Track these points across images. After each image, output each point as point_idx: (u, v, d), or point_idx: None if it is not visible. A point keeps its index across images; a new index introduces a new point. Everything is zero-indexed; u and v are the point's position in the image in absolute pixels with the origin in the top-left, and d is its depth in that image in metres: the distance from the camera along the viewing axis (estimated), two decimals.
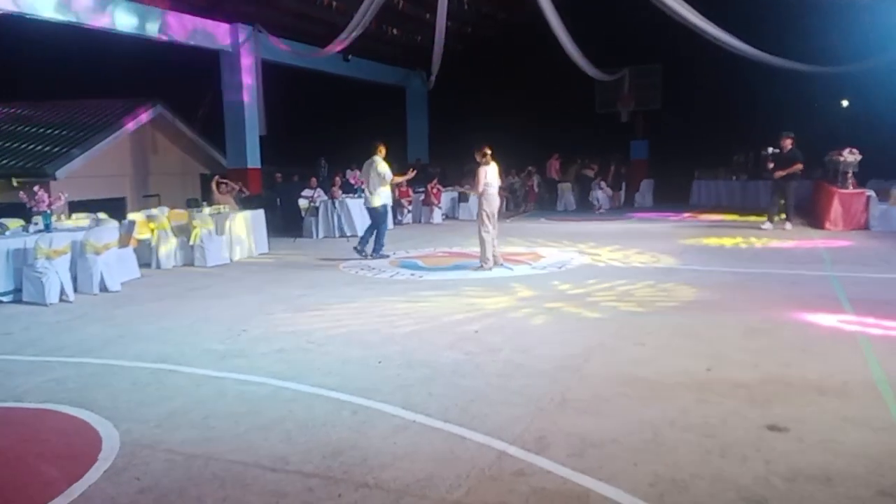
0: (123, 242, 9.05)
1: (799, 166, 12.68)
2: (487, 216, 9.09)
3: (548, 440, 3.66)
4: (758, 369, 4.74)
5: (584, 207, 18.85)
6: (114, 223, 9.56)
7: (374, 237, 10.70)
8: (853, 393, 4.25)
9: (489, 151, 9.23)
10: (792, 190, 12.95)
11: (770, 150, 12.78)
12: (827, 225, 12.88)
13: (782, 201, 13.03)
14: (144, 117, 16.26)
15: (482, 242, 9.19)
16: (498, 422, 3.92)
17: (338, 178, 15.07)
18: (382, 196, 10.67)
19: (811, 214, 14.35)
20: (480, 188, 9.16)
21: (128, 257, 9.22)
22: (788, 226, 12.83)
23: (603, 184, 19.06)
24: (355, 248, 10.73)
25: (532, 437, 3.69)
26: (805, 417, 3.88)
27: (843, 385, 4.38)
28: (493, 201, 9.22)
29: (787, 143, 12.66)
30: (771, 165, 12.78)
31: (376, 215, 10.69)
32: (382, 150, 10.67)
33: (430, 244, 12.29)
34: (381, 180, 10.50)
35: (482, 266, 9.19)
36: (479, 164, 9.24)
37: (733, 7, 14.61)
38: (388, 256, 10.66)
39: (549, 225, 15.38)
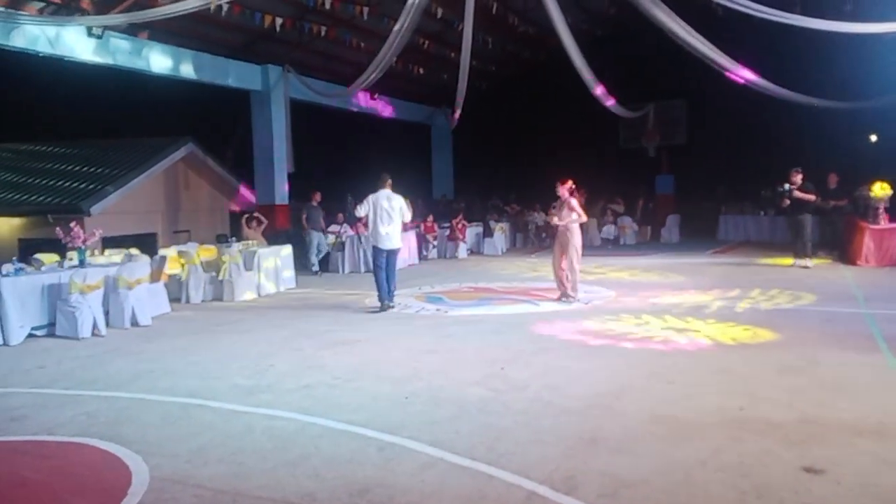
0: (154, 277, 9.20)
1: (812, 196, 12.42)
2: (576, 248, 9.52)
3: (577, 480, 3.60)
4: (792, 409, 4.64)
5: (609, 243, 18.80)
6: (145, 259, 9.74)
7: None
8: (891, 434, 4.14)
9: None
10: (808, 225, 12.57)
11: (786, 186, 12.59)
12: (859, 261, 12.66)
13: (801, 240, 12.62)
14: (176, 155, 16.64)
15: (574, 273, 9.50)
16: (526, 461, 3.88)
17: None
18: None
19: (842, 250, 14.12)
20: (584, 217, 9.65)
21: (158, 292, 9.36)
22: (809, 262, 12.46)
23: (629, 219, 18.99)
24: (390, 306, 9.19)
25: (561, 477, 3.64)
26: (842, 459, 3.78)
27: (881, 426, 4.27)
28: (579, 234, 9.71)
29: (798, 179, 12.45)
30: (787, 203, 12.62)
31: (396, 259, 9.61)
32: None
33: (456, 279, 12.30)
34: (403, 218, 9.53)
35: (570, 298, 9.42)
36: (560, 197, 9.71)
37: (759, 43, 14.66)
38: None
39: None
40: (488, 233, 17.89)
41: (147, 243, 13.37)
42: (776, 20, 10.02)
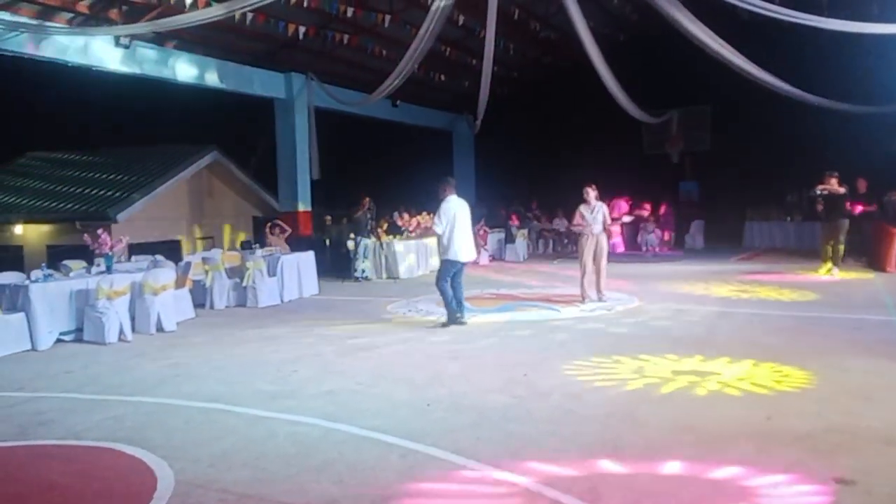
0: (180, 283, 9.31)
1: (841, 189, 11.99)
2: (605, 253, 9.97)
3: (600, 490, 3.57)
4: (821, 418, 4.55)
5: (632, 249, 18.66)
6: (171, 265, 9.86)
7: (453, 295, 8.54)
8: None
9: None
10: (844, 230, 12.20)
11: (819, 189, 12.20)
12: (888, 268, 12.43)
13: (833, 245, 12.19)
14: (201, 163, 16.87)
15: (603, 275, 9.97)
16: (549, 470, 3.85)
17: (384, 221, 15.26)
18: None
19: (871, 256, 13.87)
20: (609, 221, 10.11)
21: (183, 298, 9.47)
22: (836, 272, 12.05)
23: (653, 225, 18.83)
24: (462, 321, 8.43)
25: (584, 487, 3.61)
26: (873, 469, 3.70)
27: None
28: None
29: (833, 182, 11.99)
30: (820, 207, 12.24)
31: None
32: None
33: (478, 286, 12.28)
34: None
35: (601, 296, 9.84)
36: (587, 202, 9.95)
37: (782, 46, 14.50)
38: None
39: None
40: (510, 239, 17.85)
41: (172, 249, 13.57)
42: (801, 23, 9.90)
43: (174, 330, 8.62)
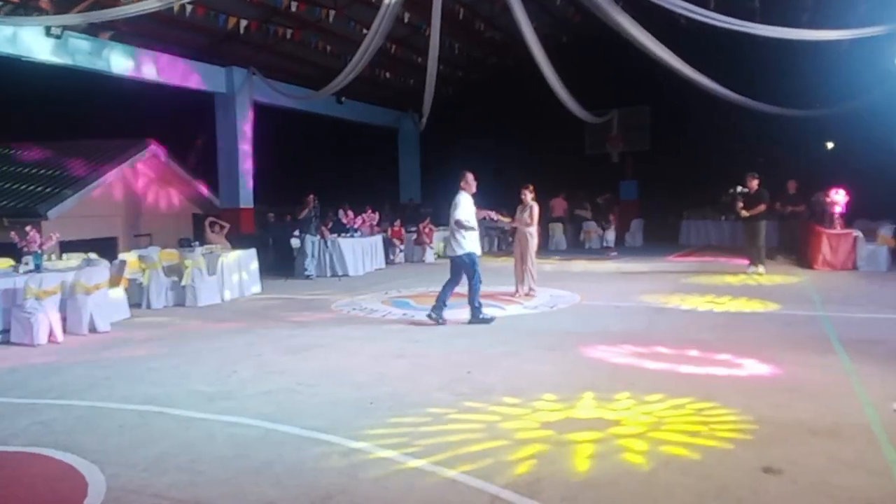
0: (114, 283, 9.01)
1: (762, 207, 12.31)
2: (532, 249, 10.43)
3: (541, 484, 3.62)
4: (750, 410, 4.72)
5: (575, 247, 19.02)
6: (104, 263, 9.53)
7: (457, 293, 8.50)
8: (846, 435, 4.24)
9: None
10: (762, 231, 12.53)
11: (738, 188, 12.58)
12: (815, 265, 12.99)
13: (755, 246, 12.52)
14: (137, 157, 16.35)
15: (534, 268, 10.47)
16: (491, 465, 3.88)
17: (328, 220, 15.10)
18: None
19: (800, 254, 14.47)
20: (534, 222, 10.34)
21: (118, 297, 9.17)
22: (761, 269, 12.39)
23: (594, 224, 19.20)
24: (429, 316, 8.30)
25: (525, 481, 3.65)
26: (799, 459, 3.86)
27: (836, 427, 4.37)
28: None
29: (754, 184, 12.36)
30: (740, 205, 12.59)
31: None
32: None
33: (423, 283, 12.28)
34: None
35: (532, 292, 10.29)
36: (522, 202, 10.42)
37: (719, 51, 14.95)
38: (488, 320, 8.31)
39: (547, 265, 15.41)
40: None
41: (107, 247, 13.11)
42: (735, 29, 10.25)
43: (108, 330, 8.34)
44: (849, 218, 13.45)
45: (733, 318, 8.30)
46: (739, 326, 7.77)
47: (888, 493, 3.43)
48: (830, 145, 20.23)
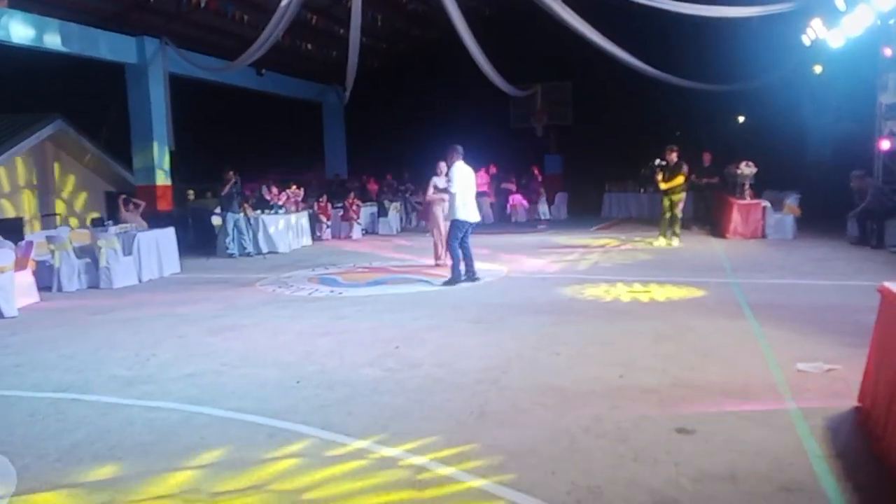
0: (20, 265, 8.54)
1: (681, 178, 12.62)
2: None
3: (468, 454, 3.68)
4: (666, 374, 4.93)
5: (502, 221, 19.26)
6: (10, 245, 8.99)
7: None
8: (754, 394, 4.49)
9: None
10: (681, 203, 12.81)
11: (657, 161, 12.89)
12: (727, 234, 13.61)
13: (669, 215, 12.82)
14: (44, 133, 15.44)
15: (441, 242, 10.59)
16: (419, 438, 3.92)
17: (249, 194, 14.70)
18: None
19: (713, 224, 15.11)
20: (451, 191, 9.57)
21: (25, 281, 8.70)
22: (676, 242, 12.73)
23: (520, 197, 19.46)
24: (478, 279, 9.23)
25: (452, 453, 3.70)
26: (710, 419, 4.07)
27: (746, 387, 4.62)
28: None
29: (673, 157, 12.63)
30: (659, 177, 12.78)
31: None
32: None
33: (350, 260, 12.19)
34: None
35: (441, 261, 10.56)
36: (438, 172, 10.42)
37: (638, 27, 15.29)
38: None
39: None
40: (383, 212, 17.82)
41: (13, 228, 12.39)
42: (653, 6, 10.50)
43: (15, 316, 7.91)
44: (758, 189, 14.11)
45: (650, 288, 8.59)
46: (654, 294, 8.07)
47: (792, 447, 3.66)
48: (742, 119, 21.13)
